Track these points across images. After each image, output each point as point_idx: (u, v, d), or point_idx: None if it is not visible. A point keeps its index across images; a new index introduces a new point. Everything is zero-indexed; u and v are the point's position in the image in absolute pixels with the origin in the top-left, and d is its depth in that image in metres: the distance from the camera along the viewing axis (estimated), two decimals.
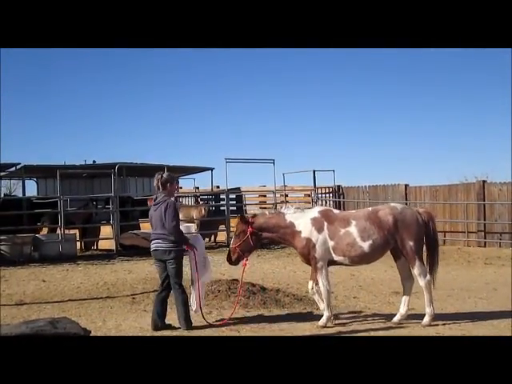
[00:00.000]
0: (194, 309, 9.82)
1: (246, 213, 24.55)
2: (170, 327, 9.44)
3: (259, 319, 10.12)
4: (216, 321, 9.92)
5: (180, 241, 9.43)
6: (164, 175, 9.63)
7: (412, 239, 9.43)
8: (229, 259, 9.94)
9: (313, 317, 10.06)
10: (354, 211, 10.52)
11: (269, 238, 10.13)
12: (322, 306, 9.68)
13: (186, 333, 9.08)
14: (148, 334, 9.05)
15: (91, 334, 9.06)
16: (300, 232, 9.59)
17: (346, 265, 9.87)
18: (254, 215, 10.11)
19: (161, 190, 9.59)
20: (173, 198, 9.75)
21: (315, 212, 9.79)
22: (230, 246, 10.09)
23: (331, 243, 9.47)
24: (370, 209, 9.89)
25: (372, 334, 8.94)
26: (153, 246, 9.63)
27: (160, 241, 9.47)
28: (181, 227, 9.80)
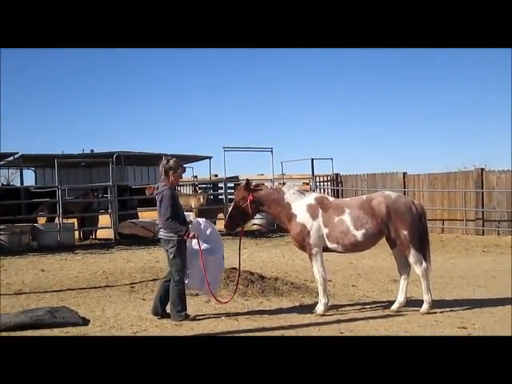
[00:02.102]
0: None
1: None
2: (168, 316, 9.35)
3: (258, 308, 10.15)
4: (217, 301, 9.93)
5: (175, 232, 9.23)
6: (170, 162, 9.37)
7: (406, 228, 9.41)
8: (226, 226, 9.96)
9: (312, 305, 10.05)
10: (348, 199, 10.51)
11: (264, 211, 10.17)
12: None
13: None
14: (147, 323, 9.06)
15: (90, 323, 9.13)
16: (296, 216, 9.62)
17: (339, 252, 9.93)
18: (257, 185, 10.13)
19: (163, 176, 9.42)
20: (168, 189, 9.29)
21: (311, 198, 9.80)
22: (229, 212, 10.07)
23: (325, 230, 9.51)
24: (364, 197, 9.89)
25: (371, 322, 8.96)
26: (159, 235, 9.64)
27: (162, 230, 9.44)
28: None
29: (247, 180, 9.94)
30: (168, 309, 9.46)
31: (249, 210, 9.74)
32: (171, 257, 9.32)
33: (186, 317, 9.25)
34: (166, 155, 10.06)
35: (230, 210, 10.08)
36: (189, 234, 9.22)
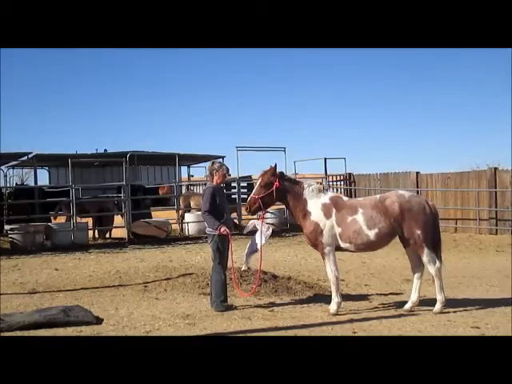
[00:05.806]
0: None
1: None
2: (230, 308, 9.91)
3: (271, 307, 10.14)
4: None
5: (210, 226, 9.87)
6: (215, 164, 10.25)
7: (419, 227, 9.39)
8: (248, 208, 10.06)
9: (325, 304, 10.04)
10: (361, 199, 10.48)
11: (283, 201, 10.10)
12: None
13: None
14: (160, 323, 9.08)
15: (103, 323, 9.17)
16: (310, 214, 9.66)
17: (352, 251, 9.93)
18: (282, 173, 10.19)
19: (209, 177, 10.25)
20: (210, 187, 10.05)
21: (326, 198, 9.81)
22: (252, 195, 10.08)
23: (338, 230, 9.53)
24: (378, 197, 9.88)
25: (384, 321, 8.95)
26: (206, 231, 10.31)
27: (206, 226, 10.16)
28: (250, 224, 10.68)
29: (275, 164, 9.93)
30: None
31: (273, 195, 9.81)
32: (211, 250, 10.04)
33: (229, 307, 9.90)
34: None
35: (253, 192, 10.10)
36: (220, 230, 9.73)
